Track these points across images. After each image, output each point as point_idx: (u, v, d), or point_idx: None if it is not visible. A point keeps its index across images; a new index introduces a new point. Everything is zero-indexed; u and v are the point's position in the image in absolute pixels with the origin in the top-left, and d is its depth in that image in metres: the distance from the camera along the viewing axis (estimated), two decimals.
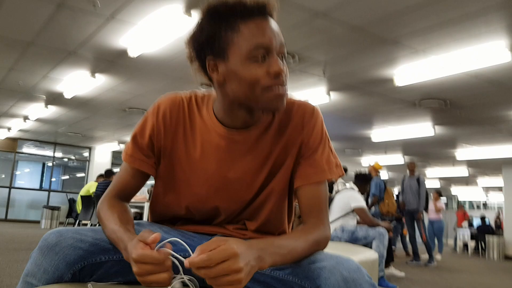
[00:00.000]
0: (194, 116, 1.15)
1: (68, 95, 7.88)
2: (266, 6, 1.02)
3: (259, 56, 0.99)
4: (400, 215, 5.53)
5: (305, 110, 1.15)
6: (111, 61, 6.05)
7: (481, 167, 13.42)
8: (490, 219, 16.40)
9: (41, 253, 0.96)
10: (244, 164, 1.14)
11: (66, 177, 17.60)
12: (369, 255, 3.50)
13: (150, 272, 0.83)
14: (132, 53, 5.51)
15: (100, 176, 9.57)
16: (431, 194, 11.10)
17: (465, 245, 14.02)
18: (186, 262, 0.79)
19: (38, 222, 12.63)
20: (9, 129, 12.40)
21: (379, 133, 9.70)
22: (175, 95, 1.18)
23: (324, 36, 4.87)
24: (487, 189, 18.85)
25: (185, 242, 0.91)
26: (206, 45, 1.03)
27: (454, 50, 4.97)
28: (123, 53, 5.65)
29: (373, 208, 7.55)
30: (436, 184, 17.55)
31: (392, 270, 5.70)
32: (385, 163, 12.86)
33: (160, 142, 1.15)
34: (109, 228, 1.02)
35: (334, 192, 5.55)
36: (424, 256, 8.07)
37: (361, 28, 4.58)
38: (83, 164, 15.69)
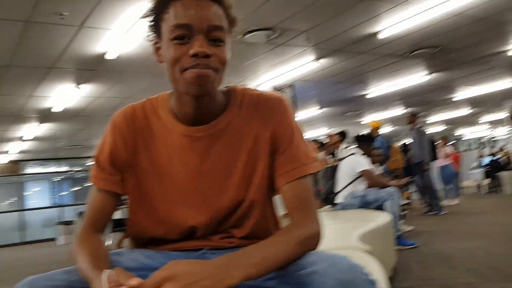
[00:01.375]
0: (152, 120, 1.10)
1: (57, 109, 7.83)
2: None
3: (179, 37, 0.94)
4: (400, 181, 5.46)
5: (272, 102, 1.09)
6: (93, 69, 5.97)
7: (483, 105, 13.31)
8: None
9: None
10: (211, 162, 1.07)
11: (77, 188, 17.66)
12: (382, 219, 3.47)
13: None
14: (110, 56, 5.42)
15: None
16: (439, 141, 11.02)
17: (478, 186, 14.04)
18: None
19: (54, 239, 12.72)
20: (7, 152, 12.39)
21: (375, 90, 9.59)
22: (127, 107, 1.13)
23: (301, 5, 4.75)
24: (493, 125, 18.69)
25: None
26: (152, 27, 1.02)
27: None
28: (102, 59, 5.57)
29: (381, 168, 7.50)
30: (442, 129, 17.45)
31: (401, 226, 5.65)
32: (388, 117, 12.80)
33: (122, 157, 1.10)
34: (80, 267, 0.96)
35: (337, 158, 5.49)
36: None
37: None
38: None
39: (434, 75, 8.67)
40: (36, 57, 5.34)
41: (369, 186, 4.82)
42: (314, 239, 0.98)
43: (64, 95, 6.96)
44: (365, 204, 4.64)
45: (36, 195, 16.75)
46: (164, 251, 1.13)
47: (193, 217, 1.08)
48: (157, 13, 0.99)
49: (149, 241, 1.16)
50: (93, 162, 1.13)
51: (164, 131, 1.08)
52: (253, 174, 1.08)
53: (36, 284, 0.91)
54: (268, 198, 1.13)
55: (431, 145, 7.99)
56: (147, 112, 1.11)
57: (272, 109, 1.08)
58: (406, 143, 9.35)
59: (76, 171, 16.57)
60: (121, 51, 5.34)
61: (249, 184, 1.09)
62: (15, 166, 14.18)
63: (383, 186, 4.69)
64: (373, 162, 5.68)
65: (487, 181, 13.76)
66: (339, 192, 4.78)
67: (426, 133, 7.93)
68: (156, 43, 1.03)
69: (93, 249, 1.01)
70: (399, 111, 12.39)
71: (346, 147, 7.36)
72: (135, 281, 0.77)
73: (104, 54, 5.38)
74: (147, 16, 1.01)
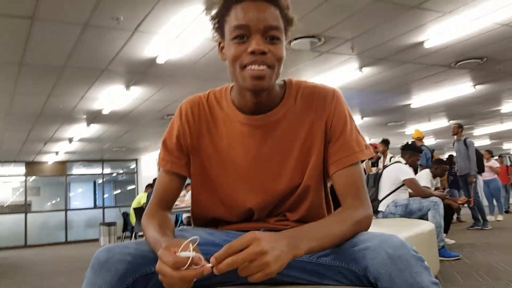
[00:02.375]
0: (215, 110, 1.20)
1: (106, 111, 8.11)
2: None
3: (239, 36, 1.04)
4: (443, 193, 5.33)
5: (326, 94, 1.17)
6: (143, 72, 6.17)
7: None
8: None
9: (94, 272, 0.98)
10: (269, 149, 1.16)
11: (118, 191, 18.14)
12: (425, 227, 3.45)
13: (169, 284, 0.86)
14: (160, 60, 5.61)
15: (149, 186, 9.82)
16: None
17: None
18: (212, 259, 0.82)
19: (97, 240, 13.10)
20: (56, 153, 12.88)
21: (419, 101, 9.45)
22: (194, 97, 1.25)
23: (346, 13, 4.79)
24: None
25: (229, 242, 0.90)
26: (217, 28, 1.13)
27: (481, 5, 4.75)
28: (152, 63, 5.76)
29: None
30: (487, 143, 16.96)
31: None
32: (431, 129, 12.56)
33: (187, 141, 1.20)
34: (149, 235, 1.06)
35: (381, 166, 5.46)
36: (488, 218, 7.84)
37: None
38: (132, 177, 16.11)
39: (480, 86, 8.48)
40: (90, 59, 5.57)
41: (412, 195, 4.79)
42: (366, 221, 1.07)
43: (113, 96, 7.22)
44: (408, 213, 4.61)
45: (80, 196, 17.32)
46: (224, 231, 1.22)
47: (251, 199, 1.18)
48: (221, 16, 1.10)
49: (210, 221, 1.25)
50: (161, 146, 1.24)
51: (226, 119, 1.19)
52: (308, 161, 1.16)
53: (113, 249, 1.01)
54: (322, 183, 1.20)
55: (478, 158, 7.78)
56: (211, 102, 1.22)
57: (326, 100, 1.16)
58: (452, 155, 9.15)
59: (119, 173, 17.03)
60: (170, 56, 5.51)
61: (304, 169, 1.16)
62: (61, 167, 14.71)
63: (427, 196, 4.65)
64: (434, 176, 5.62)
65: None
66: (382, 200, 4.76)
67: (473, 144, 7.74)
68: (220, 43, 1.14)
69: (161, 222, 1.11)
70: (443, 122, 12.15)
71: (391, 157, 7.32)
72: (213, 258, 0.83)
73: (155, 58, 5.57)
74: (213, 19, 1.12)
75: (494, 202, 9.84)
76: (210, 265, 0.83)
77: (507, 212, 11.73)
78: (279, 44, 1.06)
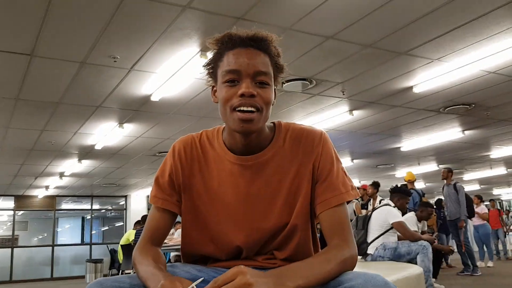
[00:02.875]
0: (207, 149, 1.25)
1: (98, 146, 8.14)
2: (249, 38, 1.13)
3: (230, 80, 1.10)
4: (432, 237, 5.33)
5: (314, 136, 1.22)
6: (136, 109, 6.25)
7: None
8: None
9: None
10: (258, 188, 1.19)
11: (106, 228, 17.90)
12: (413, 270, 3.44)
13: None
14: (155, 97, 5.70)
15: (137, 223, 9.72)
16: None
17: None
18: None
19: (83, 277, 12.83)
20: (47, 187, 12.79)
21: (409, 144, 9.59)
22: (187, 136, 1.29)
23: (337, 58, 4.94)
24: None
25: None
26: (211, 73, 1.19)
27: (469, 53, 4.93)
28: (147, 100, 5.85)
29: None
30: (477, 189, 17.07)
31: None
32: (421, 172, 12.65)
33: (179, 179, 1.24)
34: (142, 269, 1.09)
35: (370, 209, 5.48)
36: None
37: (372, 46, 4.63)
38: (121, 213, 15.96)
39: (469, 132, 8.64)
40: (85, 96, 5.64)
41: (401, 239, 4.79)
42: (351, 260, 1.09)
43: (106, 133, 7.27)
44: (396, 256, 4.60)
45: (68, 232, 17.05)
46: (213, 268, 1.24)
47: (240, 237, 1.20)
48: (214, 62, 1.16)
49: (199, 258, 1.28)
50: (154, 183, 1.27)
51: (217, 159, 1.23)
52: (295, 201, 1.19)
53: (105, 283, 1.02)
54: (309, 223, 1.23)
55: (468, 202, 7.81)
56: (203, 141, 1.26)
57: (313, 142, 1.21)
58: (441, 199, 9.21)
59: (108, 209, 16.86)
60: (165, 94, 5.61)
61: (292, 209, 1.19)
62: (51, 201, 14.56)
63: (415, 239, 4.66)
64: (419, 219, 5.65)
65: None
66: (371, 242, 4.76)
67: (463, 189, 7.79)
68: (213, 87, 1.20)
69: (155, 257, 1.14)
70: (432, 166, 12.28)
71: (381, 200, 7.36)
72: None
73: (149, 96, 5.66)
74: (208, 64, 1.18)
75: (484, 248, 9.82)
76: None
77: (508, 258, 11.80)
78: (267, 89, 1.12)
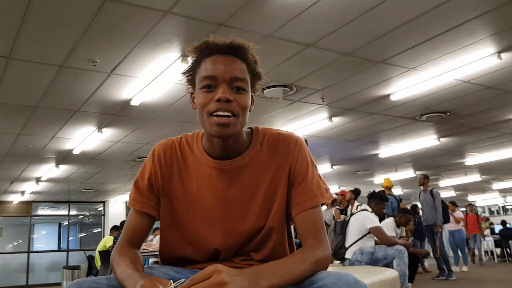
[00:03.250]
0: (186, 154, 1.27)
1: (76, 152, 8.05)
2: (226, 45, 1.16)
3: (207, 86, 1.14)
4: (408, 242, 5.42)
5: (290, 141, 1.25)
6: (116, 114, 6.22)
7: (493, 172, 13.34)
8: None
9: None
10: (235, 192, 1.22)
11: (83, 234, 17.64)
12: (389, 274, 3.51)
13: None
14: (134, 102, 5.69)
15: (115, 228, 9.60)
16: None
17: (491, 252, 13.76)
18: None
19: (59, 284, 12.61)
20: (22, 193, 12.57)
21: (386, 151, 9.74)
22: (167, 140, 1.31)
23: (317, 66, 5.01)
24: (504, 193, 18.59)
25: None
26: (189, 80, 1.23)
27: (443, 63, 5.06)
28: (126, 105, 5.83)
29: None
30: (452, 195, 17.37)
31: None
32: (398, 179, 12.83)
33: (158, 183, 1.26)
34: (119, 270, 1.10)
35: (348, 214, 5.55)
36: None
37: (351, 54, 4.72)
38: (99, 219, 15.75)
39: (444, 139, 8.82)
40: (63, 100, 5.59)
41: (378, 243, 4.87)
42: (325, 260, 1.13)
43: (85, 137, 7.20)
44: (373, 260, 4.67)
45: (44, 238, 16.75)
46: (191, 269, 1.27)
47: (218, 240, 1.23)
48: (193, 69, 1.20)
49: (177, 260, 1.30)
50: (133, 186, 1.29)
51: (196, 163, 1.25)
52: (272, 204, 1.23)
53: (83, 284, 1.04)
54: (285, 225, 1.27)
55: (444, 208, 7.95)
56: (182, 146, 1.29)
57: (289, 147, 1.24)
58: (416, 205, 9.34)
59: (86, 215, 16.63)
60: (145, 99, 5.60)
61: (268, 212, 1.23)
62: (27, 207, 14.30)
63: (392, 244, 4.74)
64: (398, 225, 5.74)
65: (499, 250, 13.50)
66: (348, 247, 4.82)
67: (440, 195, 7.91)
68: (192, 93, 1.23)
69: (133, 258, 1.16)
70: (409, 173, 12.47)
71: (358, 205, 7.46)
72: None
73: (129, 100, 5.64)
74: (186, 72, 1.22)
75: (459, 253, 9.98)
76: None
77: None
78: (244, 95, 1.15)
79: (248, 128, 1.29)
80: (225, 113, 1.11)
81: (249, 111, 1.18)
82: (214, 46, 1.16)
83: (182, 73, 1.23)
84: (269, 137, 1.26)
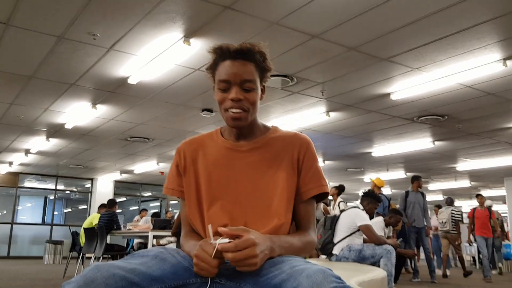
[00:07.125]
0: (206, 142, 1.51)
1: (68, 126, 7.95)
2: (238, 51, 1.35)
3: (223, 87, 1.36)
4: (396, 242, 5.36)
5: (301, 138, 1.46)
6: (112, 91, 6.12)
7: (483, 180, 13.42)
8: None
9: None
10: (248, 169, 1.41)
11: (69, 210, 17.54)
12: (377, 273, 3.48)
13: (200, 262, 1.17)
14: (132, 80, 5.60)
15: (102, 206, 9.49)
16: (433, 209, 11.05)
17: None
18: (219, 246, 1.12)
19: (41, 257, 12.53)
20: (10, 163, 12.43)
21: (380, 150, 9.74)
22: (188, 138, 1.55)
23: (320, 58, 4.95)
24: (490, 201, 18.72)
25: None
26: (211, 77, 1.44)
27: (448, 65, 5.04)
28: (123, 83, 5.73)
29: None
30: (440, 199, 17.48)
31: None
32: (388, 179, 12.85)
33: (185, 170, 1.48)
34: (187, 246, 1.37)
35: (339, 211, 5.53)
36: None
37: (356, 49, 4.66)
38: (85, 196, 15.66)
39: (439, 143, 8.83)
40: (60, 72, 5.49)
41: (366, 241, 4.85)
42: (312, 245, 1.41)
43: (78, 112, 7.10)
44: (361, 258, 4.66)
45: (29, 211, 16.62)
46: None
47: (227, 219, 1.36)
48: (212, 70, 1.41)
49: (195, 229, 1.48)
50: (168, 178, 1.51)
51: (215, 146, 1.48)
52: (281, 186, 1.39)
53: (102, 266, 1.09)
54: (291, 206, 1.40)
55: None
56: (203, 138, 1.53)
57: (301, 141, 1.45)
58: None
59: (73, 191, 16.52)
60: (143, 78, 5.51)
61: (276, 193, 1.39)
62: (13, 178, 14.16)
63: (380, 243, 4.72)
64: (387, 224, 5.74)
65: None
66: (337, 243, 4.80)
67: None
68: (214, 86, 1.43)
69: (192, 238, 1.41)
70: (400, 174, 12.49)
71: (340, 202, 7.50)
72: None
73: (127, 78, 5.55)
74: (209, 68, 1.43)
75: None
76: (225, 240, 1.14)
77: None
78: (253, 92, 1.36)
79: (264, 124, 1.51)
80: (237, 110, 1.34)
81: (260, 100, 1.40)
82: (227, 51, 1.36)
83: (206, 69, 1.43)
84: (283, 132, 1.48)
